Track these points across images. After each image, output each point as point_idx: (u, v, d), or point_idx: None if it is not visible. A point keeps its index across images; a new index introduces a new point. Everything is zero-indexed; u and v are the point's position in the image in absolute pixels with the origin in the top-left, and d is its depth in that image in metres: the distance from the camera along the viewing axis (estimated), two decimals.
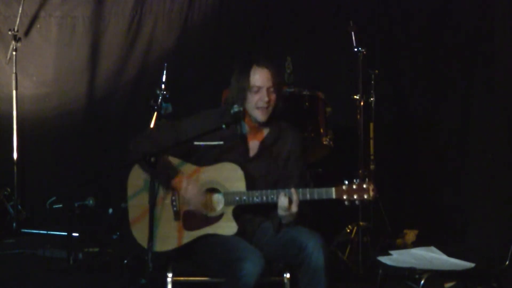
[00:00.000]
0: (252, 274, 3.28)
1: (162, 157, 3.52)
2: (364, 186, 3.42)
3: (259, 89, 3.58)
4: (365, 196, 3.41)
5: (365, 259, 4.77)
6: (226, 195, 3.52)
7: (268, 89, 3.58)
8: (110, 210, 5.20)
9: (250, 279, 3.28)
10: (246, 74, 3.58)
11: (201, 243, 3.54)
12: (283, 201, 3.42)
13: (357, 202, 3.42)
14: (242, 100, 3.60)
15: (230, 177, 3.53)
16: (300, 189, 3.45)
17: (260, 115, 3.60)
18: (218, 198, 3.56)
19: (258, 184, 3.55)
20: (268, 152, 3.65)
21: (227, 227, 3.50)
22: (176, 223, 3.56)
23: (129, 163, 3.64)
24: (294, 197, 3.43)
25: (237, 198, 3.49)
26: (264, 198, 3.47)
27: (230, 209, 3.51)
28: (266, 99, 3.57)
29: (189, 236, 3.54)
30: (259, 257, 3.35)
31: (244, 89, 3.58)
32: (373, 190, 3.41)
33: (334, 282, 4.39)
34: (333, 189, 3.43)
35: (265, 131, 3.69)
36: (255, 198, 3.48)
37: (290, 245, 3.44)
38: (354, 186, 3.42)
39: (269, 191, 3.47)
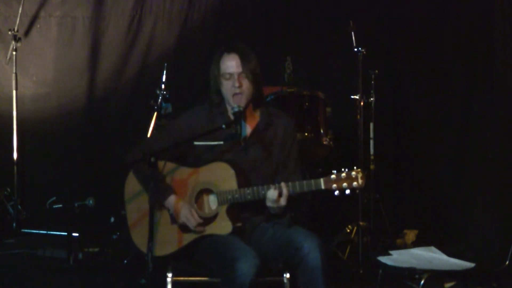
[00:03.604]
0: (247, 274, 3.28)
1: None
2: (353, 174, 3.38)
3: (230, 75, 3.58)
4: (354, 184, 3.37)
5: (365, 259, 4.78)
6: (219, 194, 3.52)
7: (239, 74, 3.57)
8: (112, 219, 5.20)
9: (245, 279, 3.28)
10: (218, 61, 3.60)
11: (198, 243, 3.54)
12: (272, 193, 3.43)
13: (347, 191, 3.39)
14: (219, 88, 3.62)
15: (222, 176, 3.53)
16: (290, 183, 3.45)
17: (235, 101, 3.59)
18: (212, 199, 3.57)
19: (252, 178, 3.56)
20: (262, 138, 3.64)
21: (222, 226, 3.51)
22: (173, 226, 3.57)
23: (130, 163, 3.65)
24: (284, 191, 3.43)
25: (230, 197, 3.50)
26: (256, 194, 3.47)
27: (224, 209, 3.51)
28: (237, 84, 3.56)
29: (187, 238, 3.55)
30: (253, 257, 3.35)
31: (218, 76, 3.60)
32: (362, 177, 3.38)
33: (334, 282, 4.41)
34: (322, 179, 3.41)
35: (256, 118, 3.69)
36: (247, 196, 3.48)
37: (287, 246, 3.44)
38: (343, 175, 3.39)
39: (260, 187, 3.47)
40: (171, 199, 3.56)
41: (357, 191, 3.44)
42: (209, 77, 3.67)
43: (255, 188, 3.48)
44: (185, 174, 3.60)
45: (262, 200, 3.48)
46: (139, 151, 3.63)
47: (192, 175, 3.59)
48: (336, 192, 3.40)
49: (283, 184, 3.44)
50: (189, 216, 3.52)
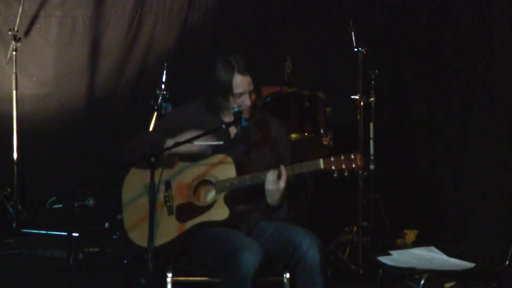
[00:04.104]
0: (250, 264, 3.29)
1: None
2: (352, 156, 3.46)
3: (241, 94, 3.62)
4: (353, 165, 3.45)
5: (365, 259, 4.78)
6: (217, 183, 3.56)
7: (249, 92, 3.63)
8: (107, 224, 5.20)
9: (249, 270, 3.28)
10: (228, 80, 3.61)
11: (200, 241, 3.55)
12: (272, 173, 3.47)
13: (346, 173, 3.45)
14: (225, 100, 3.64)
15: (221, 166, 3.57)
16: (289, 165, 3.51)
17: (243, 114, 3.63)
18: (210, 189, 3.60)
19: (251, 170, 3.58)
20: (255, 135, 3.70)
21: (219, 212, 3.53)
22: (170, 217, 3.59)
23: (128, 164, 3.65)
24: (283, 172, 3.48)
25: (228, 184, 3.53)
26: (255, 179, 3.51)
27: (221, 196, 3.55)
28: (248, 103, 3.63)
29: (182, 227, 3.56)
30: (257, 248, 3.37)
31: (227, 93, 3.62)
32: (360, 159, 3.45)
33: (334, 282, 4.42)
34: (321, 160, 3.48)
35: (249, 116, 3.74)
36: (246, 181, 3.52)
37: (286, 245, 3.45)
38: (342, 157, 3.47)
39: (259, 172, 3.51)
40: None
41: (359, 171, 3.50)
42: (214, 84, 3.66)
43: (254, 174, 3.52)
44: (184, 168, 3.62)
45: (261, 186, 3.50)
46: (135, 147, 3.65)
47: (190, 169, 3.61)
48: (335, 174, 3.46)
49: (282, 166, 3.49)
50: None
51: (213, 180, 3.58)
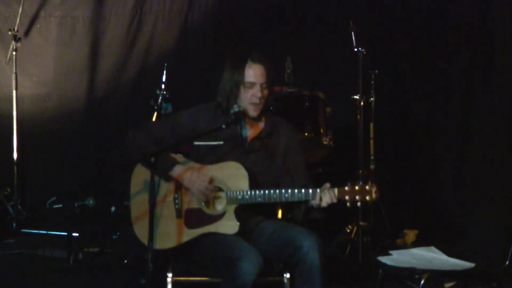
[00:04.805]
0: (249, 273, 3.29)
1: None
2: (367, 188, 3.41)
3: (252, 85, 3.60)
4: (367, 198, 3.41)
5: (365, 259, 4.77)
6: (229, 193, 3.52)
7: (261, 85, 3.61)
8: (113, 208, 5.19)
9: (247, 278, 3.28)
10: (240, 69, 3.60)
11: (200, 242, 3.54)
12: (332, 197, 3.43)
13: (358, 203, 3.42)
14: (236, 94, 3.62)
15: (234, 176, 3.53)
16: (303, 189, 3.46)
17: (252, 110, 3.63)
18: (220, 197, 3.57)
19: (259, 180, 3.57)
20: (264, 145, 3.67)
21: (229, 226, 3.51)
22: (177, 221, 3.57)
23: (130, 163, 3.65)
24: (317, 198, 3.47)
25: (240, 197, 3.50)
26: (267, 197, 3.48)
27: (232, 208, 3.51)
28: (259, 95, 3.60)
29: (189, 234, 3.54)
30: (256, 256, 3.36)
31: (238, 84, 3.60)
32: (375, 192, 3.41)
33: (334, 282, 4.42)
34: (336, 190, 3.44)
35: (260, 125, 3.71)
36: (257, 198, 3.49)
37: (286, 245, 3.45)
38: (357, 188, 3.42)
39: (271, 190, 3.48)
40: (177, 169, 3.56)
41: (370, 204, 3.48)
42: (223, 81, 3.66)
43: (266, 191, 3.48)
44: (195, 171, 3.60)
45: (271, 203, 3.49)
46: (142, 136, 3.64)
47: (202, 171, 3.59)
48: (348, 204, 3.42)
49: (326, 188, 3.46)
50: (196, 180, 3.51)
51: (225, 189, 3.55)
